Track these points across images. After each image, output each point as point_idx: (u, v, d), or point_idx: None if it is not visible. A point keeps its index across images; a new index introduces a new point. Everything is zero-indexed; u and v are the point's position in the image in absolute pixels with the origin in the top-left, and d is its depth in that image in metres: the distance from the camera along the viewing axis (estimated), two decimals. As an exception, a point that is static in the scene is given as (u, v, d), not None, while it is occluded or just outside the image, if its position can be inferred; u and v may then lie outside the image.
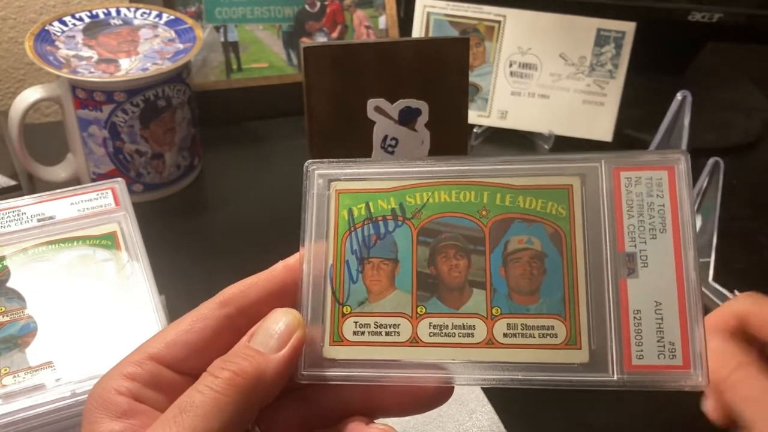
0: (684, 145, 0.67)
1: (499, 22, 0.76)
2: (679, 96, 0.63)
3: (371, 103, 0.52)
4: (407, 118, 0.53)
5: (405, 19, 0.81)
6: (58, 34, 0.67)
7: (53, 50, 0.65)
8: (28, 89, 0.63)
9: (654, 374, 0.29)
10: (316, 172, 0.32)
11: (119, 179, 0.50)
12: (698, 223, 0.62)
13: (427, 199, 0.33)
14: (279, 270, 0.31)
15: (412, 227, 0.33)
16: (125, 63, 0.64)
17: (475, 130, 0.79)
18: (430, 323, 0.31)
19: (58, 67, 0.62)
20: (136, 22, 0.70)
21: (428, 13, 0.77)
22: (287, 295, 0.30)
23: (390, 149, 0.53)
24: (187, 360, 0.28)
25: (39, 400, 0.38)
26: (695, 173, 0.62)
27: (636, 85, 0.78)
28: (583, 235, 0.31)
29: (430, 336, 0.31)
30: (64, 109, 0.64)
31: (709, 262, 0.62)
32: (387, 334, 0.31)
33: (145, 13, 0.71)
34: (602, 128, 0.77)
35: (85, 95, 0.63)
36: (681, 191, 0.30)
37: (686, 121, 0.65)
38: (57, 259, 0.45)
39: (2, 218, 0.47)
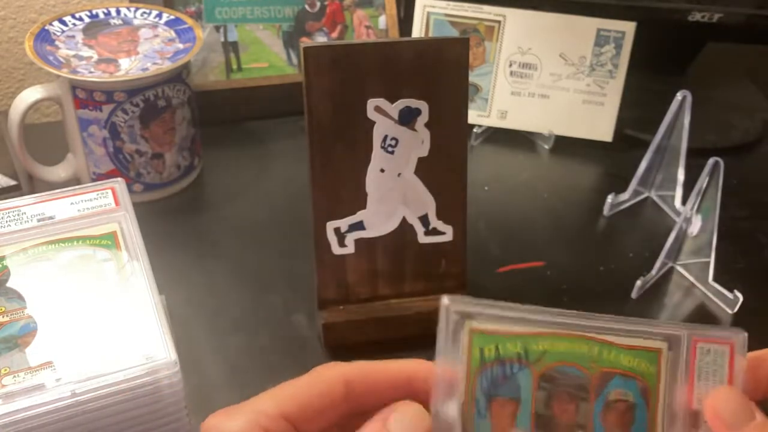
0: (684, 145, 0.67)
1: (499, 22, 0.76)
2: (679, 96, 0.63)
3: (371, 103, 0.52)
4: (407, 118, 0.53)
5: (405, 19, 0.81)
6: (58, 34, 0.67)
7: (53, 50, 0.65)
8: (28, 89, 0.63)
9: None
10: (451, 308, 0.35)
11: (119, 179, 0.50)
12: (698, 224, 0.62)
13: (549, 347, 0.37)
14: (409, 366, 0.32)
15: (534, 372, 0.37)
16: (125, 63, 0.64)
17: (475, 130, 0.79)
18: None
19: (58, 67, 0.62)
20: (136, 22, 0.70)
21: (428, 13, 0.77)
22: (414, 386, 0.31)
23: (390, 149, 0.53)
24: (308, 424, 0.29)
25: (39, 400, 0.38)
26: (695, 173, 0.62)
27: (636, 85, 0.78)
28: (665, 392, 0.37)
29: None
30: (64, 109, 0.64)
31: (708, 262, 0.62)
32: None
33: (145, 13, 0.71)
34: (602, 128, 0.77)
35: (85, 95, 0.63)
36: (737, 362, 0.36)
37: (686, 121, 0.65)
38: (57, 259, 0.45)
39: (2, 218, 0.47)
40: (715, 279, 0.62)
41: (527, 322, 0.38)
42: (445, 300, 0.34)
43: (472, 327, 0.36)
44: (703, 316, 0.62)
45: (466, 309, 0.36)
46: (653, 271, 0.63)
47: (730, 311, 0.61)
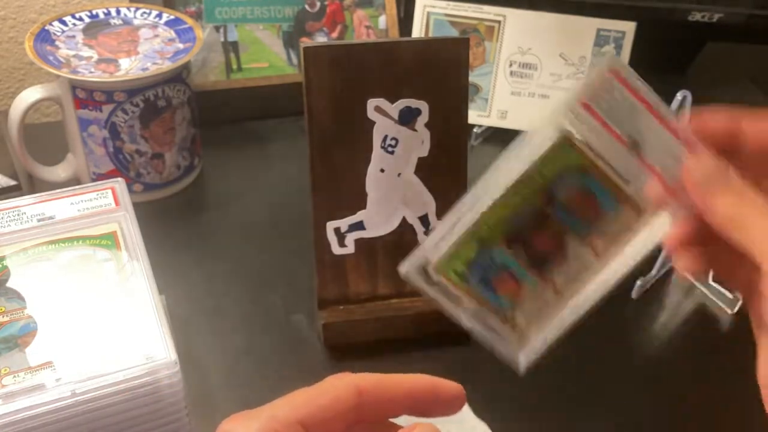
0: (684, 145, 0.67)
1: (499, 22, 0.76)
2: (679, 96, 0.63)
3: (371, 103, 0.52)
4: (407, 118, 0.53)
5: (405, 19, 0.81)
6: (58, 34, 0.67)
7: (53, 50, 0.65)
8: (28, 89, 0.63)
9: None
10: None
11: (119, 179, 0.50)
12: None
13: None
14: (416, 380, 0.32)
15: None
16: (125, 63, 0.64)
17: (475, 130, 0.79)
18: None
19: (58, 67, 0.62)
20: (136, 22, 0.70)
21: (428, 13, 0.77)
22: (421, 401, 0.32)
23: (390, 149, 0.53)
24: (320, 431, 0.30)
25: (39, 400, 0.38)
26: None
27: (636, 85, 0.78)
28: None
29: None
30: (64, 109, 0.64)
31: None
32: None
33: (145, 13, 0.71)
34: (602, 128, 0.77)
35: (85, 95, 0.63)
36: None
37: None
38: (57, 259, 0.45)
39: (2, 218, 0.47)
40: (715, 279, 0.62)
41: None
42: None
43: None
44: (703, 316, 0.62)
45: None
46: (653, 272, 0.63)
47: (729, 311, 0.61)
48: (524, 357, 0.37)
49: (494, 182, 0.35)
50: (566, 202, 0.35)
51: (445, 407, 0.32)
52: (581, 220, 0.36)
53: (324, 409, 0.30)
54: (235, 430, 0.29)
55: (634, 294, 0.62)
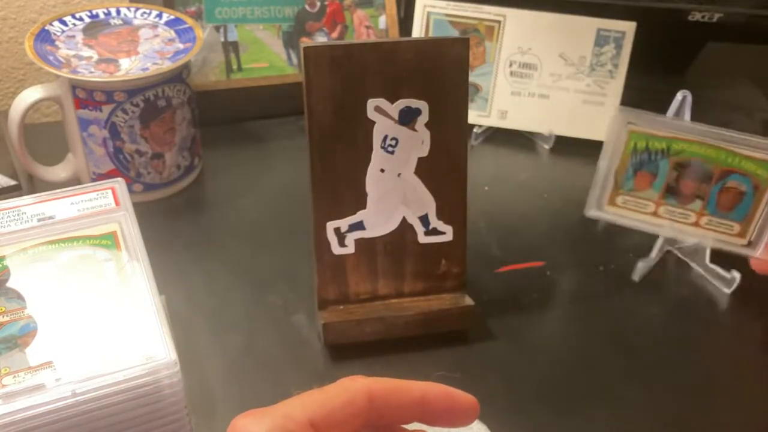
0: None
1: (499, 22, 0.76)
2: (679, 96, 0.63)
3: (371, 103, 0.52)
4: (407, 118, 0.53)
5: (405, 19, 0.81)
6: (58, 33, 0.67)
7: (53, 50, 0.65)
8: (28, 89, 0.63)
9: None
10: (619, 116, 0.61)
11: (119, 179, 0.50)
12: None
13: (686, 148, 0.60)
14: (427, 387, 0.32)
15: (672, 161, 0.62)
16: (125, 63, 0.64)
17: (475, 130, 0.79)
18: (666, 208, 0.64)
19: (58, 67, 0.62)
20: (136, 22, 0.70)
21: (428, 13, 0.77)
22: (430, 408, 0.32)
23: (390, 149, 0.53)
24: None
25: (39, 400, 0.38)
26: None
27: (636, 85, 0.78)
28: None
29: (664, 213, 0.64)
30: (64, 109, 0.64)
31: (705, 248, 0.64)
32: (641, 206, 0.64)
33: (145, 13, 0.71)
34: (602, 128, 0.77)
35: (85, 95, 0.63)
36: None
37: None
38: (57, 259, 0.45)
39: (2, 218, 0.47)
40: (712, 260, 0.64)
41: (672, 130, 0.60)
42: (614, 111, 0.61)
43: (632, 128, 0.61)
44: (701, 297, 0.63)
45: (629, 115, 0.61)
46: (652, 254, 0.65)
47: (727, 290, 0.62)
48: None
49: None
50: None
51: (458, 418, 0.32)
52: None
53: (335, 411, 0.30)
54: (248, 427, 0.29)
55: (636, 276, 0.64)
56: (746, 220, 0.62)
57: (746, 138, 0.59)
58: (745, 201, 0.61)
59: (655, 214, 0.64)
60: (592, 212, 0.66)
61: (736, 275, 0.62)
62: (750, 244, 0.62)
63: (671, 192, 0.63)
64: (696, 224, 0.63)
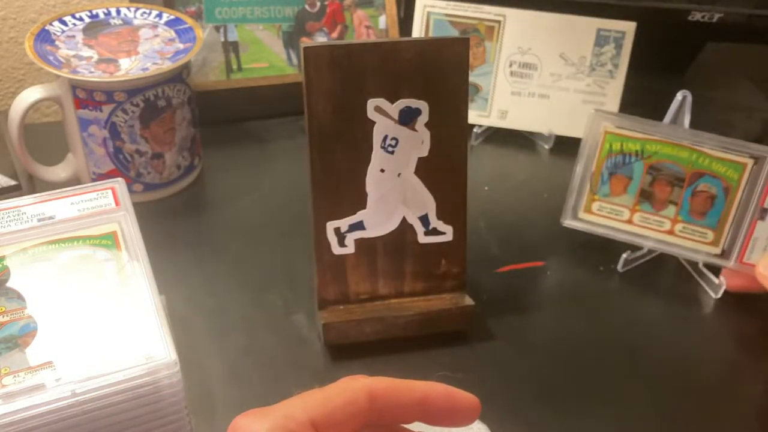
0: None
1: (499, 22, 0.76)
2: (679, 96, 0.63)
3: (371, 103, 0.52)
4: (407, 118, 0.53)
5: (405, 19, 0.81)
6: (58, 34, 0.67)
7: (53, 50, 0.65)
8: (28, 89, 0.63)
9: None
10: (596, 116, 0.59)
11: (119, 179, 0.50)
12: None
13: (660, 149, 0.59)
14: (427, 387, 0.32)
15: (646, 164, 0.60)
16: (125, 63, 0.64)
17: (475, 129, 0.79)
18: (641, 215, 0.61)
19: (58, 67, 0.62)
20: (136, 22, 0.70)
21: (428, 13, 0.77)
22: (431, 408, 0.32)
23: (390, 149, 0.53)
24: (332, 431, 0.30)
25: (39, 400, 0.38)
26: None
27: (636, 85, 0.78)
28: (743, 193, 0.58)
29: (639, 221, 0.62)
30: (64, 109, 0.64)
31: None
32: (616, 213, 0.62)
33: (145, 13, 0.71)
34: (602, 128, 0.77)
35: (85, 95, 0.63)
36: None
37: (686, 121, 0.65)
38: (57, 259, 0.45)
39: (2, 218, 0.47)
40: (705, 263, 0.63)
41: (646, 132, 0.59)
42: (592, 113, 0.59)
43: (607, 129, 0.60)
44: (701, 297, 0.63)
45: (604, 116, 0.59)
46: (644, 249, 0.65)
47: (714, 296, 0.63)
48: None
49: None
50: None
51: (459, 418, 0.32)
52: None
53: (336, 410, 0.30)
54: (249, 426, 0.29)
55: (619, 267, 0.64)
56: (719, 226, 0.60)
57: (716, 138, 0.58)
58: (716, 205, 0.59)
59: (630, 221, 0.62)
60: (567, 221, 0.63)
61: (724, 281, 0.62)
62: (723, 254, 0.60)
63: (646, 197, 0.61)
64: (671, 232, 0.61)
